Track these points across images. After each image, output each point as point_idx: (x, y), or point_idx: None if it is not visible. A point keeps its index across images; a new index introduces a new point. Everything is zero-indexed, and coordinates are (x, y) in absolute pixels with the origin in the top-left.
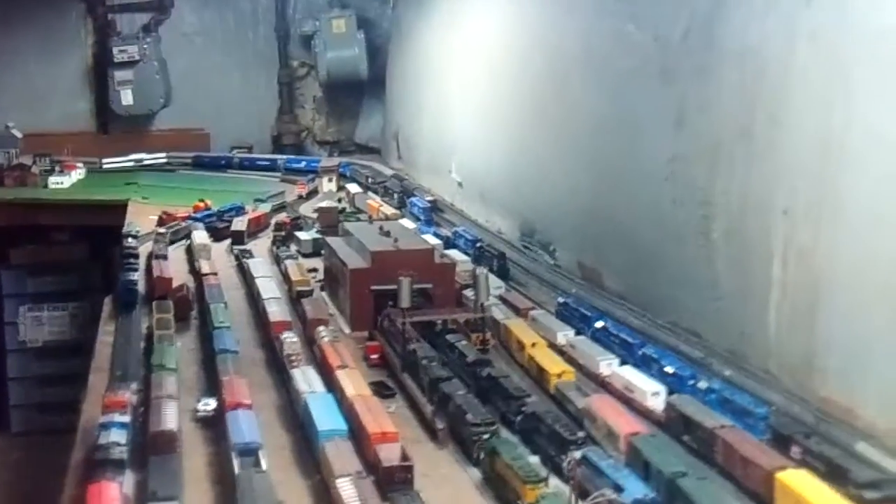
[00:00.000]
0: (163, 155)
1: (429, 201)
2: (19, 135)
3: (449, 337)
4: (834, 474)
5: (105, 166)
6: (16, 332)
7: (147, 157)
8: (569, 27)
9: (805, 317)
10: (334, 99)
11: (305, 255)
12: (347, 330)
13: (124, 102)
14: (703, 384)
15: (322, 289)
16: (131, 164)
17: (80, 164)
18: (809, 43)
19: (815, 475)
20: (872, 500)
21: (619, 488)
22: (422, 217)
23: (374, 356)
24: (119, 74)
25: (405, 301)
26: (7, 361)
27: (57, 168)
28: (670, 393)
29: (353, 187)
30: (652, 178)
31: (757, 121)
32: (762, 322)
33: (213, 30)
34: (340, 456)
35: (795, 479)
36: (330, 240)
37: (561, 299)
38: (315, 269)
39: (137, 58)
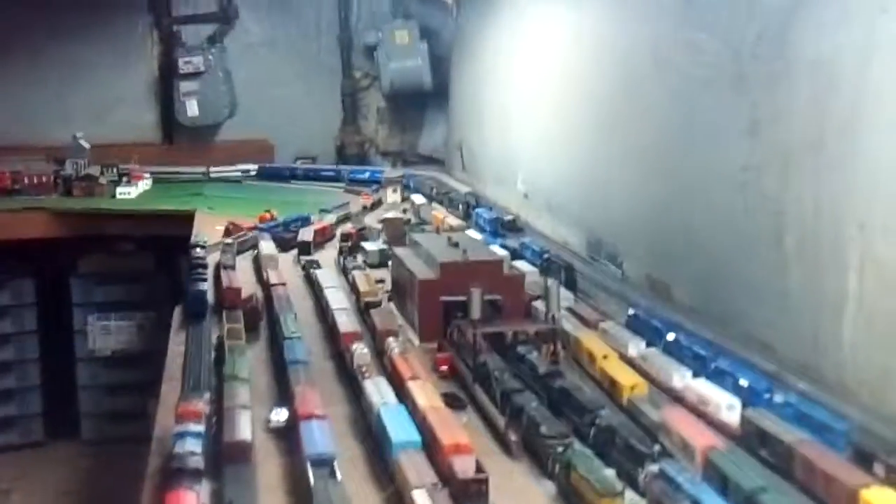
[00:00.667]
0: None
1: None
2: (87, 146)
3: (520, 349)
4: None
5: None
6: (84, 341)
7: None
8: (639, 34)
9: (883, 330)
10: (397, 109)
11: (372, 266)
12: (416, 341)
13: (190, 113)
14: (779, 398)
15: (390, 300)
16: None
17: (146, 175)
18: (886, 53)
19: None
20: None
21: (697, 503)
22: (488, 228)
23: (444, 367)
24: (184, 85)
25: (476, 312)
26: (77, 370)
27: (124, 178)
28: (745, 406)
29: (418, 198)
30: (723, 187)
31: (828, 132)
32: (837, 335)
33: (277, 40)
34: (415, 467)
35: (881, 497)
36: (397, 250)
37: (631, 311)
38: (382, 280)
39: (202, 69)
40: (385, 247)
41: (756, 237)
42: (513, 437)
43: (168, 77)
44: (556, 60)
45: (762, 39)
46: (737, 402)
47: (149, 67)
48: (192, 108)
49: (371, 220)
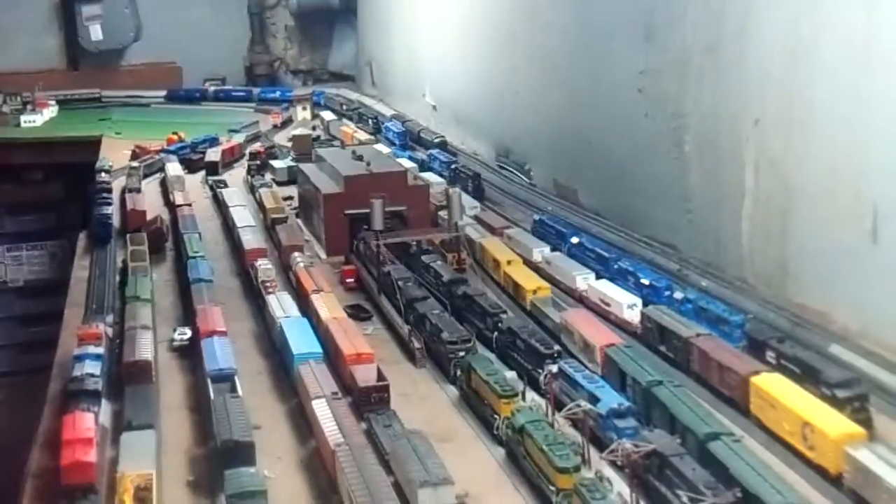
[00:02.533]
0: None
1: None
2: None
3: (424, 258)
4: (807, 376)
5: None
6: None
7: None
8: None
9: (778, 225)
10: (306, 28)
11: (280, 184)
12: (324, 255)
13: (94, 38)
14: (678, 294)
15: (297, 216)
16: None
17: (52, 102)
18: None
19: (789, 378)
20: (844, 398)
21: (595, 399)
22: (397, 142)
23: (350, 280)
24: (87, 9)
25: (378, 223)
26: None
27: (29, 107)
28: (646, 305)
29: (328, 115)
30: (623, 93)
31: (725, 33)
32: (736, 232)
33: None
34: (315, 378)
35: (769, 382)
36: (303, 166)
37: (536, 217)
38: (291, 197)
39: None
40: (293, 164)
41: (657, 140)
42: (416, 344)
43: (70, 2)
44: None
45: None
46: (638, 301)
47: None
48: (95, 33)
49: (281, 138)
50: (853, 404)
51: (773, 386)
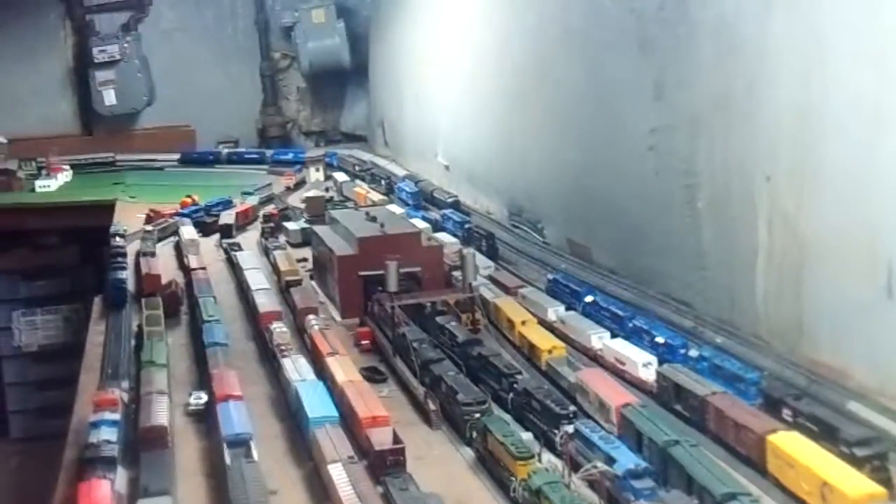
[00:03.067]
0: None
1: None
2: (3, 140)
3: (439, 319)
4: (825, 434)
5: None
6: (11, 338)
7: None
8: (546, 4)
9: (792, 281)
10: (318, 89)
11: (294, 246)
12: (338, 317)
13: (107, 102)
14: (693, 352)
15: (312, 278)
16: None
17: (66, 167)
18: (785, 11)
19: (806, 436)
20: (863, 456)
21: (611, 460)
22: (410, 202)
23: (365, 342)
24: (100, 75)
25: (393, 285)
26: (3, 367)
27: (43, 172)
28: (662, 363)
29: (341, 176)
30: (634, 151)
31: (735, 90)
32: (750, 288)
33: (193, 25)
34: (331, 442)
35: (787, 440)
36: (317, 229)
37: (550, 276)
38: (305, 259)
39: (118, 57)
40: (307, 226)
41: (669, 197)
42: (431, 406)
43: (83, 67)
44: (470, 35)
45: (665, 4)
46: (653, 359)
47: (63, 58)
48: (109, 97)
49: (295, 200)
50: (872, 463)
51: (790, 444)
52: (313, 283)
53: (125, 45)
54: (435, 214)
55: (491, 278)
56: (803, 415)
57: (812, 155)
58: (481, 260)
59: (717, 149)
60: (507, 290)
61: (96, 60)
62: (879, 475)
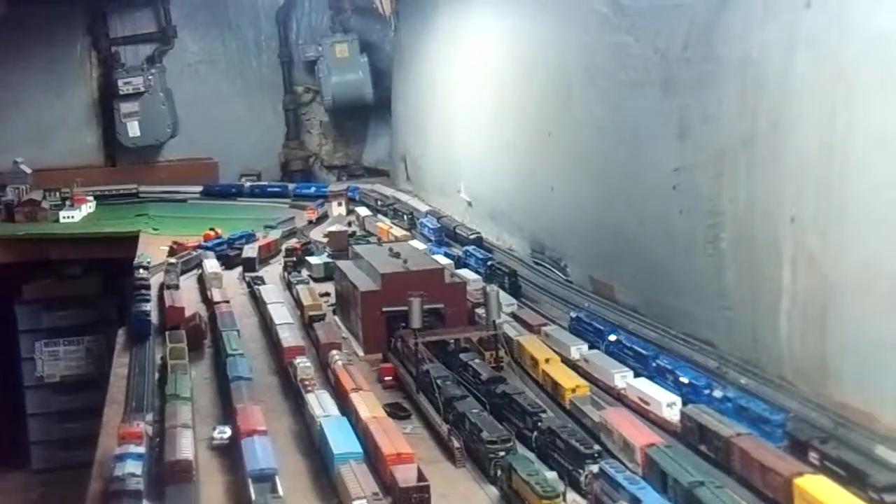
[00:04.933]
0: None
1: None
2: (28, 170)
3: (462, 356)
4: (853, 478)
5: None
6: (33, 368)
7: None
8: (570, 42)
9: (817, 322)
10: (340, 123)
11: (317, 280)
12: (361, 353)
13: (131, 134)
14: (718, 393)
15: (335, 313)
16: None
17: (90, 198)
18: (809, 49)
19: (833, 480)
20: (892, 502)
21: (636, 500)
22: (432, 238)
23: (388, 378)
24: (125, 106)
25: (416, 321)
26: (26, 397)
27: (67, 202)
28: (686, 403)
29: (363, 210)
30: (658, 189)
31: (759, 128)
32: (774, 329)
33: (217, 58)
34: (356, 478)
35: (814, 484)
36: (340, 263)
37: (573, 314)
38: (328, 294)
39: (143, 89)
40: (330, 260)
41: (692, 236)
42: (455, 443)
43: (108, 99)
44: (493, 70)
45: (689, 42)
46: (677, 400)
47: (88, 89)
48: (133, 129)
49: (317, 234)
50: None
51: (817, 488)
52: (336, 318)
53: (150, 77)
54: (457, 251)
55: (514, 316)
56: (830, 458)
57: (837, 194)
58: (504, 297)
59: (740, 188)
60: (530, 327)
61: (121, 92)
62: None
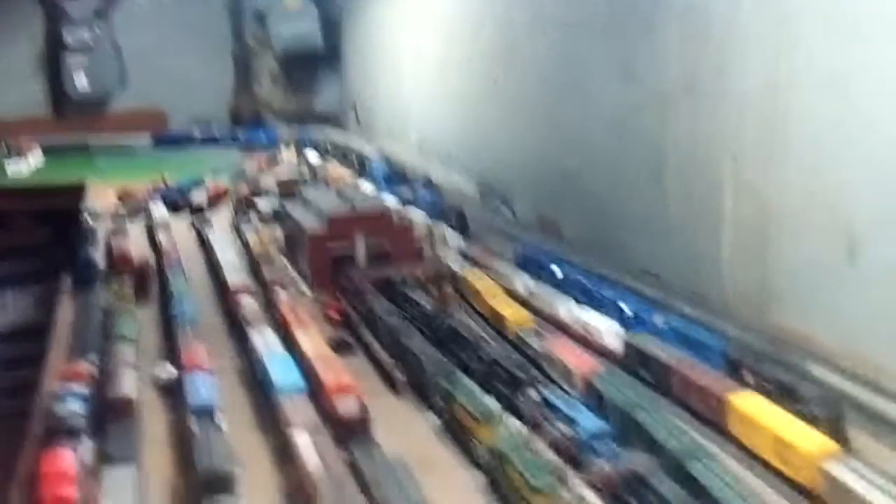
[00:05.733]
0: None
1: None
2: None
3: (408, 292)
4: (784, 395)
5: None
6: None
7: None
8: None
9: (757, 250)
10: (290, 72)
11: (266, 223)
12: (308, 292)
13: (79, 86)
14: (660, 321)
15: (282, 255)
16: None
17: (37, 148)
18: None
19: (766, 397)
20: (821, 415)
21: (572, 421)
22: (382, 181)
23: (335, 315)
24: (72, 58)
25: (361, 259)
26: None
27: (14, 154)
28: (628, 332)
29: (313, 156)
30: (603, 130)
31: (701, 74)
32: (716, 259)
33: (165, 9)
34: (297, 410)
35: (746, 401)
36: (288, 206)
37: (519, 249)
38: (276, 237)
39: (90, 41)
40: (279, 204)
41: (636, 175)
42: (399, 375)
43: (55, 51)
44: (443, 19)
45: None
46: (619, 328)
47: (34, 42)
48: (80, 81)
49: (267, 179)
50: (829, 421)
51: (749, 405)
52: (284, 259)
53: (97, 29)
54: (407, 192)
55: (461, 253)
56: (763, 377)
57: (781, 132)
58: (452, 235)
59: (683, 129)
60: (476, 263)
61: (68, 45)
62: (835, 433)
